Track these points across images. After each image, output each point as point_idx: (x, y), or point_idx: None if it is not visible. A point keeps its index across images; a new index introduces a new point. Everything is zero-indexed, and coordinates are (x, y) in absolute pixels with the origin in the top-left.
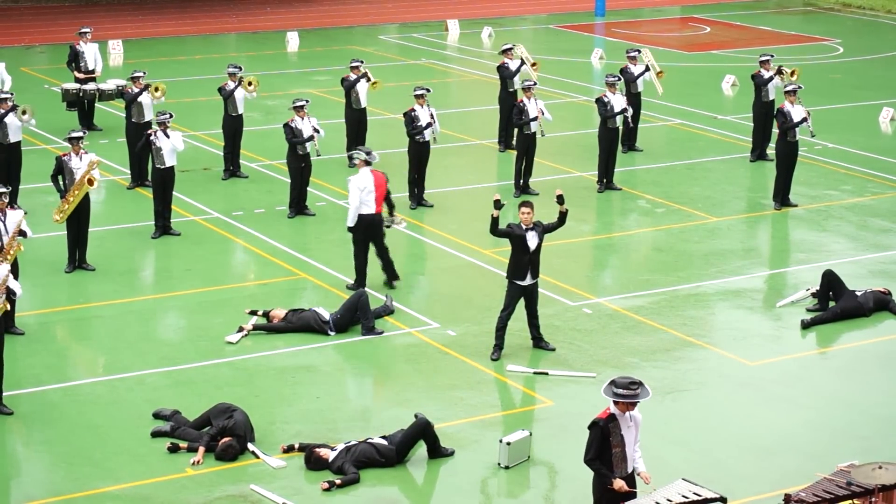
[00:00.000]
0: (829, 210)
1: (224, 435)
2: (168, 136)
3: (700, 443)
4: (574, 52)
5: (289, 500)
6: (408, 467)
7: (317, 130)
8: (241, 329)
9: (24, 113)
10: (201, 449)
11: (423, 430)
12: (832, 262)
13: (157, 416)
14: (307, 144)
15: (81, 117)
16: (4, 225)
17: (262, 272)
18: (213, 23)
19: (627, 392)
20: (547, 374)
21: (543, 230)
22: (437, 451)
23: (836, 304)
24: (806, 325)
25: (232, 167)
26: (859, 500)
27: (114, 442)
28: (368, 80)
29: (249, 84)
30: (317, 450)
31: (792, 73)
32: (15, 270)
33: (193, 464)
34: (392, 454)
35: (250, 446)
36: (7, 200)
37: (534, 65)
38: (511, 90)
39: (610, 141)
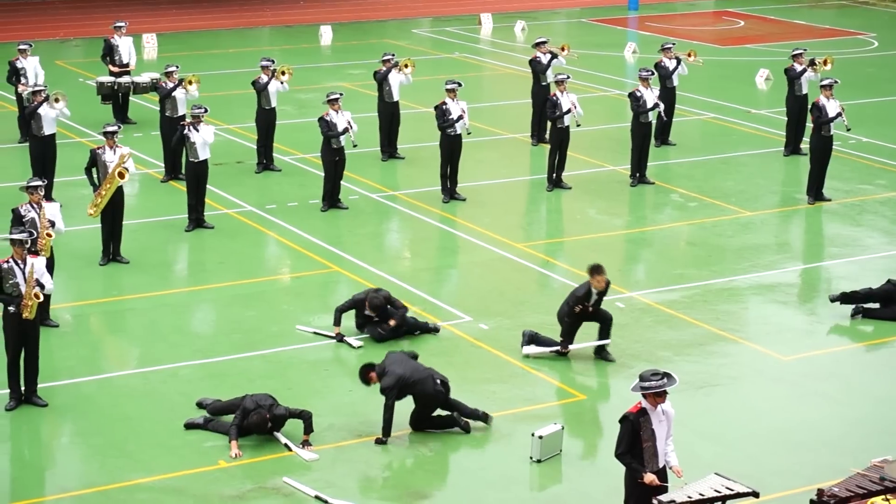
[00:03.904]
0: (863, 204)
1: (245, 416)
2: (198, 131)
3: (733, 437)
4: (607, 45)
5: (321, 493)
6: (440, 461)
7: (350, 125)
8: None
9: (56, 100)
10: (234, 443)
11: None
12: (867, 257)
13: (199, 405)
14: (342, 138)
15: (116, 111)
16: (39, 218)
17: (295, 265)
18: (247, 17)
19: (653, 383)
20: (562, 352)
21: None
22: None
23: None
24: (854, 314)
25: (265, 160)
26: (892, 495)
27: (147, 434)
28: (399, 68)
29: (283, 73)
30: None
31: (825, 62)
32: (52, 265)
33: (234, 457)
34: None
35: (281, 438)
36: (42, 193)
37: (562, 48)
38: (544, 84)
39: (642, 136)
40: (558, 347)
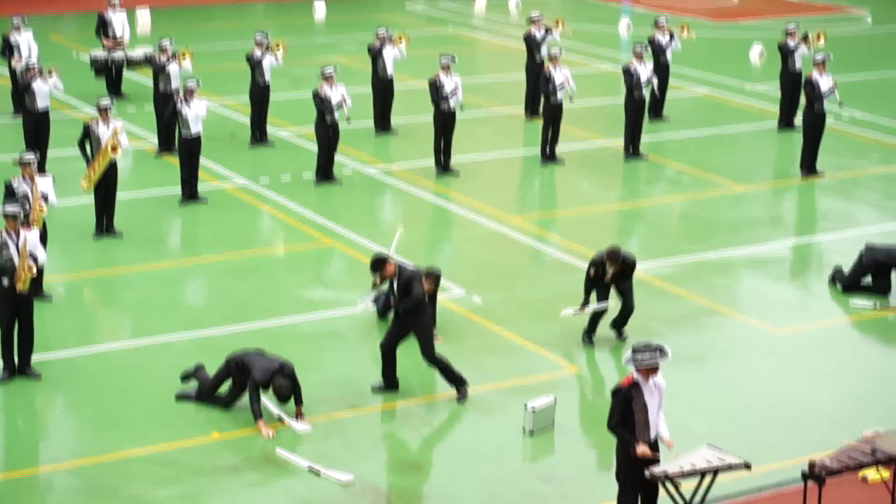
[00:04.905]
0: (856, 179)
1: (257, 389)
2: (190, 105)
3: (725, 410)
4: (601, 21)
5: (314, 464)
6: (433, 433)
7: (345, 100)
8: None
9: (50, 75)
10: (261, 422)
11: None
12: (859, 232)
13: (184, 377)
14: (336, 112)
15: (109, 85)
16: (32, 191)
17: (288, 239)
18: None
19: (645, 357)
20: (579, 311)
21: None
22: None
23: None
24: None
25: (259, 135)
26: (883, 467)
27: (141, 406)
28: (394, 43)
29: (278, 47)
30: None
31: (818, 37)
32: (44, 238)
33: (270, 437)
34: None
35: (273, 410)
36: (35, 167)
37: (557, 23)
38: (538, 59)
39: (636, 111)
40: (577, 307)
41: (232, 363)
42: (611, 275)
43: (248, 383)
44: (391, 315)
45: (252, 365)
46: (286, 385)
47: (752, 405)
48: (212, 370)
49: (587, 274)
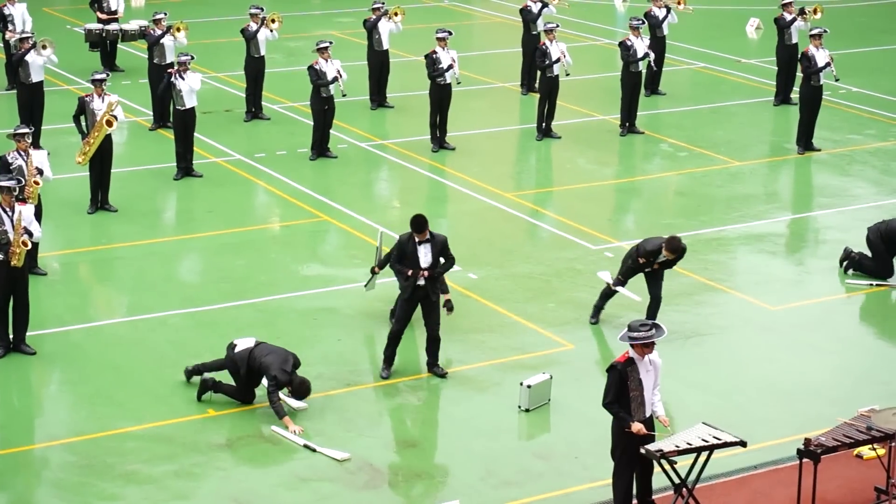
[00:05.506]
0: (852, 154)
1: (280, 387)
2: (184, 78)
3: (721, 387)
4: None
5: (310, 442)
6: (429, 410)
7: (340, 74)
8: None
9: (44, 47)
10: (287, 419)
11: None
12: (855, 208)
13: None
14: (331, 86)
15: (104, 58)
16: (27, 165)
17: (284, 214)
18: None
19: (641, 334)
20: (611, 289)
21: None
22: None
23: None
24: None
25: (254, 109)
26: (879, 444)
27: (136, 382)
28: (389, 16)
29: (273, 21)
30: None
31: (815, 11)
32: (39, 213)
33: (299, 432)
34: None
35: (266, 384)
36: (30, 141)
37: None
38: (534, 33)
39: (633, 85)
40: (610, 282)
41: (240, 363)
42: (661, 263)
43: (268, 384)
44: (386, 280)
45: (267, 364)
46: (307, 381)
47: (748, 382)
48: (208, 348)
49: (635, 260)
